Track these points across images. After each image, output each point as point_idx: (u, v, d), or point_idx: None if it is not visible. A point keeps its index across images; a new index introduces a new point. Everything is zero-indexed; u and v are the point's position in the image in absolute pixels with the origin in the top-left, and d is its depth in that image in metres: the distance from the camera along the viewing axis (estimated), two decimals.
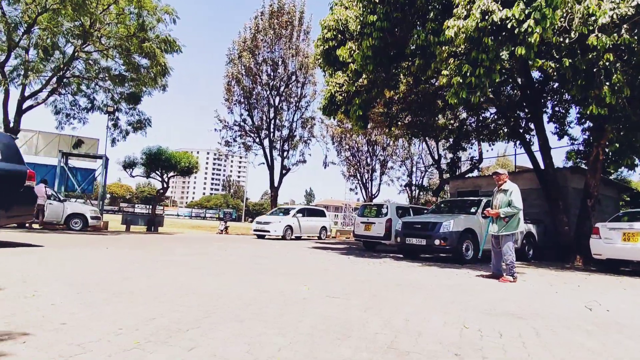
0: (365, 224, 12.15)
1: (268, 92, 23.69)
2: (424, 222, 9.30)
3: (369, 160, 30.94)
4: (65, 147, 18.28)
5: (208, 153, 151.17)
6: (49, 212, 13.11)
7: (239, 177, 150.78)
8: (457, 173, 17.40)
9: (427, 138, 20.41)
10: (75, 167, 18.43)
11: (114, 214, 44.48)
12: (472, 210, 9.82)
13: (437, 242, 8.72)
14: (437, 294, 4.42)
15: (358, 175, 30.85)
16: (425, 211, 11.90)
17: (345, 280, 5.19)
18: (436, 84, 17.70)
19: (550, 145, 11.79)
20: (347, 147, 30.17)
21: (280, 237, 15.93)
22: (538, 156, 12.15)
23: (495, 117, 17.72)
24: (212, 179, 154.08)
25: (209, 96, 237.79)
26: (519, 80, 13.43)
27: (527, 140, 14.96)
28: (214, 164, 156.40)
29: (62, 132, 18.48)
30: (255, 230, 16.57)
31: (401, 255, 10.57)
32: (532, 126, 15.02)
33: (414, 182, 27.63)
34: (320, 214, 19.12)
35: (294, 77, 23.86)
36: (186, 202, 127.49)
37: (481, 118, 17.42)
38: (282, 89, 23.89)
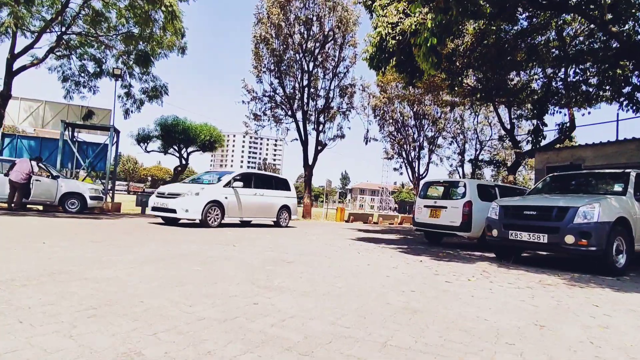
0: (431, 208, 8.80)
1: (301, 56, 20.45)
2: (544, 208, 5.84)
3: (415, 135, 27.12)
4: (74, 118, 16.20)
5: (244, 136, 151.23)
6: (39, 190, 10.91)
7: (274, 159, 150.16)
8: (539, 144, 13.49)
9: (496, 103, 16.39)
10: (86, 142, 16.34)
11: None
12: (617, 188, 6.23)
13: (570, 239, 5.29)
14: None
15: (404, 153, 27.15)
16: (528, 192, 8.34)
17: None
18: (515, 28, 13.74)
19: None
20: (391, 120, 26.47)
21: (197, 220, 9.10)
22: None
23: (595, 70, 13.43)
24: (248, 161, 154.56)
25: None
26: None
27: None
28: (250, 146, 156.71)
29: (71, 103, 16.40)
30: (154, 209, 9.48)
31: (492, 255, 7.22)
32: None
33: (478, 158, 23.42)
34: (280, 184, 11.88)
35: (330, 37, 20.40)
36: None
37: (578, 71, 13.23)
38: (316, 52, 20.56)
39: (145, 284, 2.94)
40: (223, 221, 9.65)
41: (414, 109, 25.13)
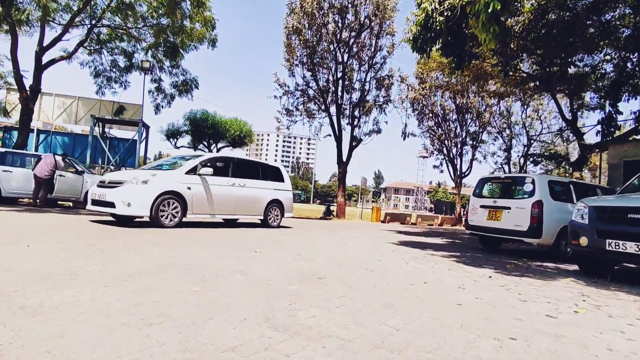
0: (489, 209, 7.39)
1: (335, 46, 19.32)
2: None
3: (457, 130, 25.21)
4: (106, 114, 16.05)
5: (278, 135, 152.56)
6: (65, 186, 10.55)
7: (307, 158, 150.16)
8: (612, 136, 11.55)
9: (556, 91, 14.44)
10: (117, 138, 16.15)
11: None
12: None
13: None
14: None
15: (444, 149, 25.33)
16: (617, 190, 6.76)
17: None
18: (584, 2, 11.87)
19: None
20: (431, 114, 24.74)
21: (146, 217, 7.03)
22: None
23: None
24: (282, 160, 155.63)
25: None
26: None
27: None
28: (284, 145, 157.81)
29: (103, 98, 16.27)
30: (94, 203, 7.22)
31: (572, 267, 5.77)
32: None
33: (527, 154, 21.22)
34: (270, 174, 9.55)
35: (367, 26, 19.12)
36: None
37: None
38: (351, 41, 19.34)
39: (103, 320, 1.94)
40: (186, 219, 7.51)
41: (457, 102, 23.27)
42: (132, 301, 2.29)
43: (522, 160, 28.25)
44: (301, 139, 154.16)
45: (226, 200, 8.10)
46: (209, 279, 3.09)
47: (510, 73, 13.17)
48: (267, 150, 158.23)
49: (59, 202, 11.39)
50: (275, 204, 9.40)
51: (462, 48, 10.73)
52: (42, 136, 15.58)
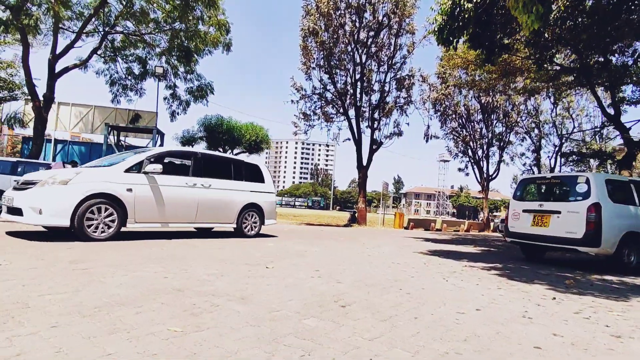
0: (534, 214, 6.46)
1: (352, 47, 18.66)
2: None
3: (483, 131, 24.01)
4: (122, 122, 15.88)
5: (296, 143, 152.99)
6: None
7: (326, 165, 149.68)
8: None
9: (595, 84, 13.25)
10: (132, 146, 15.93)
11: None
12: None
13: None
14: None
15: (469, 151, 24.16)
16: None
17: None
18: None
19: None
20: (454, 115, 23.66)
21: (62, 227, 5.27)
22: None
23: None
24: (301, 167, 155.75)
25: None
26: None
27: None
28: (302, 153, 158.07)
29: (119, 107, 16.12)
30: (8, 212, 5.44)
31: (638, 280, 4.81)
32: None
33: (559, 153, 19.85)
34: (247, 173, 7.94)
35: (385, 24, 18.39)
36: (277, 191, 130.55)
37: None
38: (369, 41, 18.64)
39: None
40: (127, 229, 5.86)
41: (482, 100, 22.13)
42: (85, 348, 1.62)
43: (552, 162, 26.73)
44: (320, 145, 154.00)
45: (184, 205, 6.46)
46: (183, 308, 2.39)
47: (546, 65, 12.15)
48: (286, 158, 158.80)
49: None
50: (253, 209, 7.76)
51: (492, 39, 9.86)
52: (59, 146, 15.53)
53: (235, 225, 7.46)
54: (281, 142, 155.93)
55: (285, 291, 3.10)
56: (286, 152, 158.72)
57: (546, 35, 11.59)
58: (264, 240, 7.50)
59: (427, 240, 11.34)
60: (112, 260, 3.89)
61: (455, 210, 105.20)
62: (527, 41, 11.39)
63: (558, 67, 13.77)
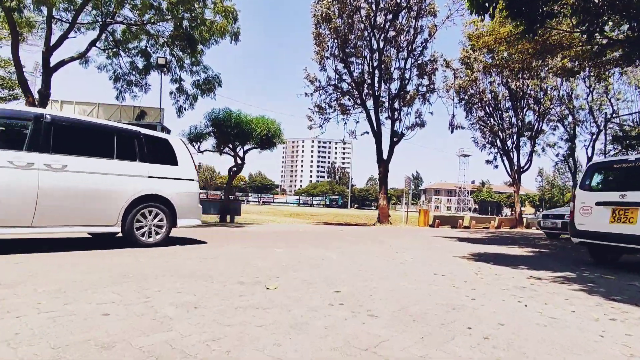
0: (613, 207, 5.06)
1: (369, 32, 17.33)
2: None
3: (513, 119, 22.24)
4: (127, 119, 15.07)
5: (312, 141, 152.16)
6: None
7: (343, 163, 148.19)
8: None
9: None
10: None
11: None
12: None
13: None
14: None
15: (498, 141, 22.44)
16: None
17: None
18: None
19: None
20: (480, 103, 21.98)
21: None
22: None
23: None
24: (318, 166, 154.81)
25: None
26: None
27: None
28: (319, 151, 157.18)
29: (124, 104, 15.32)
30: None
31: None
32: None
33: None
34: (146, 151, 5.32)
35: (404, 6, 16.98)
36: (294, 190, 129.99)
37: None
38: (387, 25, 17.26)
39: None
40: None
41: (512, 85, 20.40)
42: None
43: (589, 151, 24.75)
44: (336, 143, 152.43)
45: (11, 199, 4.11)
46: None
47: (595, 36, 10.58)
48: (302, 156, 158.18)
49: None
50: (155, 202, 5.32)
51: (534, 5, 8.46)
52: None
53: (118, 229, 5.02)
54: (297, 141, 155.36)
55: (289, 339, 1.90)
56: (302, 151, 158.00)
57: (595, 1, 10.06)
58: (183, 249, 5.18)
59: (460, 240, 9.96)
60: None
61: (477, 207, 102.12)
62: (574, 8, 9.84)
63: (605, 41, 12.11)
